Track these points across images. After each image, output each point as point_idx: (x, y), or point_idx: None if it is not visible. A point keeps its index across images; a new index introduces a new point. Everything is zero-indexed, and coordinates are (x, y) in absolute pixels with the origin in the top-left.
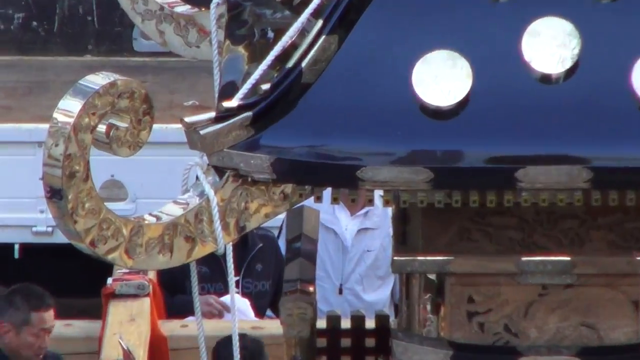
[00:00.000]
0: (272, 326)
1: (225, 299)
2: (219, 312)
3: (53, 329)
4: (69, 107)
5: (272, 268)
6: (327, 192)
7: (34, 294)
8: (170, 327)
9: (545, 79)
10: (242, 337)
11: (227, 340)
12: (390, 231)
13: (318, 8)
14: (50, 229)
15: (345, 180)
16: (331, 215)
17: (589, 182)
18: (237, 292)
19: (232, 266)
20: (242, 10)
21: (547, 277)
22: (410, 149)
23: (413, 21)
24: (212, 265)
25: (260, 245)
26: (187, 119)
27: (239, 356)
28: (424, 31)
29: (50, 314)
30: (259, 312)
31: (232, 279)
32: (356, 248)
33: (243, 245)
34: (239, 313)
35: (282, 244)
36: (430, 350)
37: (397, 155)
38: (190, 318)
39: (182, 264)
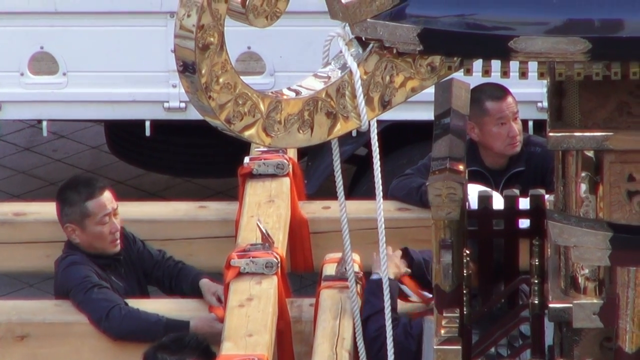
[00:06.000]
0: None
1: None
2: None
3: (117, 209)
4: None
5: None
6: None
7: (82, 183)
8: (312, 209)
9: None
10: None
11: None
12: None
13: None
14: (183, 105)
15: (496, 51)
16: None
17: None
18: None
19: (377, 147)
20: None
21: None
22: (566, 17)
23: None
24: None
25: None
26: None
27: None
28: None
29: (105, 196)
30: None
31: (377, 162)
32: None
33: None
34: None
35: None
36: (588, 232)
37: (552, 24)
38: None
39: None
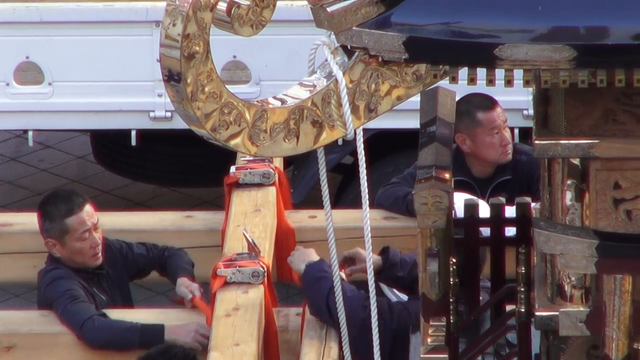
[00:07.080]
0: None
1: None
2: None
3: (98, 222)
4: None
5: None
6: None
7: (62, 199)
8: (298, 218)
9: None
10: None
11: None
12: None
13: None
14: (169, 114)
15: (482, 59)
16: None
17: None
18: None
19: (363, 154)
20: None
21: None
22: (551, 25)
23: None
24: None
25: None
26: None
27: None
28: None
29: (86, 211)
30: None
31: (363, 171)
32: None
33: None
34: None
35: None
36: (574, 240)
37: (537, 32)
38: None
39: None
